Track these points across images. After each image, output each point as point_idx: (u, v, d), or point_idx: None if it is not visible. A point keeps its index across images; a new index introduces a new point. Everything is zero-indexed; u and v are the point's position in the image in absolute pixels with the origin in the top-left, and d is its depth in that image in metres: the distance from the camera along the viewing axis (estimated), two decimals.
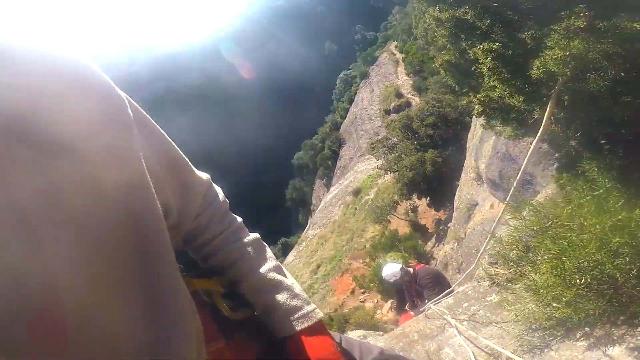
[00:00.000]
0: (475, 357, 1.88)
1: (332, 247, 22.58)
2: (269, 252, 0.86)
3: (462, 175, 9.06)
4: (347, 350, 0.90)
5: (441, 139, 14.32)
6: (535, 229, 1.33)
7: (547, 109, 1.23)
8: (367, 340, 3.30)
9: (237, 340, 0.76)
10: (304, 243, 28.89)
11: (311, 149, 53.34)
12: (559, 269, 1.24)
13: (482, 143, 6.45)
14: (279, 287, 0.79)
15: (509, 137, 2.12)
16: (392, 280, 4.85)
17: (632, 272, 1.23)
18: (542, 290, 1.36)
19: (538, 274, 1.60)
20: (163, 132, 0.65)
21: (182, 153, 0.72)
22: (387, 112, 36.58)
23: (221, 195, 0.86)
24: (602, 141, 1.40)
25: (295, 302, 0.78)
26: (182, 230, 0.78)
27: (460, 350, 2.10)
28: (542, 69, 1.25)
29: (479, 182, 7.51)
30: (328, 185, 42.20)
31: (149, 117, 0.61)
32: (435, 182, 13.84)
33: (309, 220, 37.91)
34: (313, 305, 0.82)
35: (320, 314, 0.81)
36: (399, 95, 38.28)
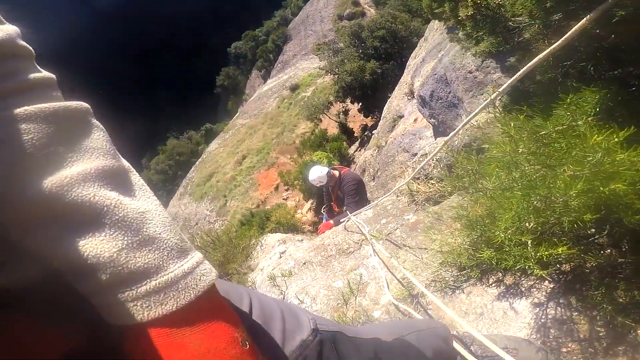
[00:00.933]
0: (387, 283, 1.87)
1: (261, 139, 22.39)
2: (96, 141, 0.45)
3: (396, 88, 9.43)
4: (262, 333, 0.62)
5: (385, 52, 14.93)
6: (522, 149, 1.11)
7: (583, 21, 0.95)
8: (286, 247, 3.28)
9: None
10: (230, 131, 28.12)
11: (252, 40, 50.07)
12: (517, 207, 1.07)
13: (423, 64, 6.71)
14: (98, 220, 0.41)
15: (481, 52, 1.87)
16: (317, 185, 4.72)
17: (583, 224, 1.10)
18: (497, 232, 1.20)
19: (477, 205, 1.47)
20: None
21: None
22: (340, 17, 36.53)
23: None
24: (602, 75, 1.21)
25: (141, 258, 0.41)
26: None
27: (374, 274, 2.09)
28: None
29: (409, 98, 7.99)
30: (265, 77, 41.16)
31: None
32: (370, 91, 14.72)
33: (239, 109, 36.75)
34: (193, 260, 0.45)
35: (208, 278, 0.45)
36: (355, 3, 38.37)
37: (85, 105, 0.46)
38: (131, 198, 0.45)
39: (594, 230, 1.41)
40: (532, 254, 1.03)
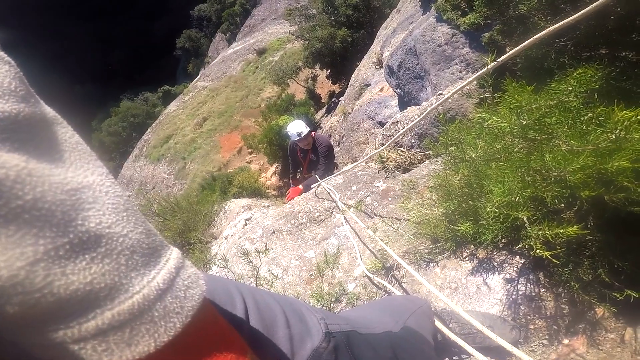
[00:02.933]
0: (360, 255, 1.82)
1: (224, 102, 21.57)
2: None
3: (365, 57, 9.38)
4: (266, 345, 0.49)
5: (357, 21, 14.94)
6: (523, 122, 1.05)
7: None
8: (252, 214, 3.16)
9: None
10: (190, 94, 26.78)
11: (218, 3, 46.87)
12: (509, 180, 1.03)
13: (394, 34, 6.74)
14: None
15: (469, 23, 1.79)
16: (296, 137, 4.38)
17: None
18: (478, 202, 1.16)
19: (457, 175, 1.43)
20: None
21: None
22: None
23: None
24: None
25: (77, 274, 0.26)
26: None
27: (346, 244, 2.05)
28: None
29: (377, 67, 7.86)
30: (231, 40, 39.08)
31: None
32: (339, 58, 14.79)
33: (201, 72, 34.97)
34: (170, 264, 0.31)
35: (196, 292, 0.32)
36: None
37: None
38: (53, 165, 0.28)
39: (563, 205, 1.43)
40: (533, 232, 1.00)
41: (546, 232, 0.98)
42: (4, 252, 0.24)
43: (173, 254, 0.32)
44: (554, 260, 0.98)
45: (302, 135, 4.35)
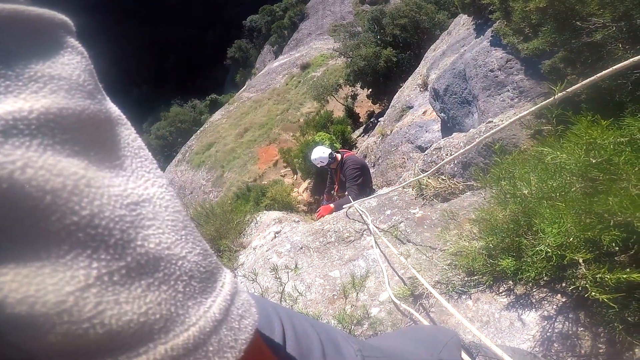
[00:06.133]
0: (388, 280, 1.75)
1: (266, 114, 22.16)
2: (62, 67, 0.25)
3: (409, 79, 9.41)
4: None
5: (404, 42, 14.75)
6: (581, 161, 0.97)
7: None
8: (282, 227, 3.16)
9: None
10: (235, 104, 27.81)
11: (269, 15, 48.91)
12: (567, 221, 0.94)
13: (443, 57, 6.60)
14: (32, 222, 0.21)
15: (533, 49, 1.72)
16: (318, 165, 4.59)
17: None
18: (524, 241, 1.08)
19: (505, 210, 1.35)
20: None
21: None
22: (362, 1, 35.05)
23: None
24: None
25: (131, 304, 0.23)
26: None
27: (374, 268, 1.98)
28: None
29: (422, 89, 7.92)
30: (277, 53, 40.40)
31: None
32: (382, 78, 14.55)
33: (247, 83, 36.29)
34: (225, 290, 0.28)
35: (249, 322, 0.28)
36: None
37: (59, 16, 0.26)
38: (113, 173, 0.25)
39: (617, 248, 1.33)
40: (590, 274, 0.91)
41: (605, 276, 0.88)
42: (53, 275, 0.21)
43: (227, 278, 0.28)
44: (611, 304, 0.87)
45: (325, 164, 4.43)
